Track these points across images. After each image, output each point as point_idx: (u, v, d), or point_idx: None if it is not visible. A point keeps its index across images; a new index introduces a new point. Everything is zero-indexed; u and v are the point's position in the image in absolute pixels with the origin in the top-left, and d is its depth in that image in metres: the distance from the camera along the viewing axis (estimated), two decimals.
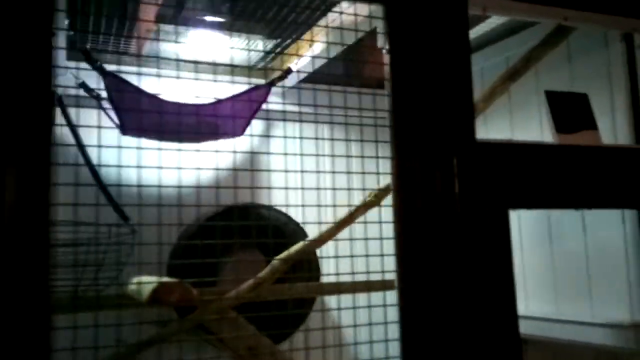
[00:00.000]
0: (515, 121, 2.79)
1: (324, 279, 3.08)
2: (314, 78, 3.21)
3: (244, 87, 2.69)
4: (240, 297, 2.41)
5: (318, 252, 3.11)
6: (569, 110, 1.80)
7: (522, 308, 2.97)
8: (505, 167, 1.63)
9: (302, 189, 2.61)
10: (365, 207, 2.41)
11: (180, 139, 2.73)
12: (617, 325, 2.04)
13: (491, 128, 2.90)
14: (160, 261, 3.02)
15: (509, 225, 1.61)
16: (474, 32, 2.77)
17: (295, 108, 3.20)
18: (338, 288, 2.52)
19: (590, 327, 2.15)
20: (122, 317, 2.55)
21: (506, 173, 1.63)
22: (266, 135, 3.34)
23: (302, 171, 2.63)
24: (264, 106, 3.03)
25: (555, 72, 2.50)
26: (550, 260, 2.51)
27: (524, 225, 2.70)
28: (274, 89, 3.28)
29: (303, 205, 2.76)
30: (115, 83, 2.46)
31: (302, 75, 3.06)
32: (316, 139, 3.11)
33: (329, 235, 2.43)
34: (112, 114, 2.61)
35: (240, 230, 2.95)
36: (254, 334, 2.55)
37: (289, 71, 2.69)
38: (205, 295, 2.42)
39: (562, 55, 2.45)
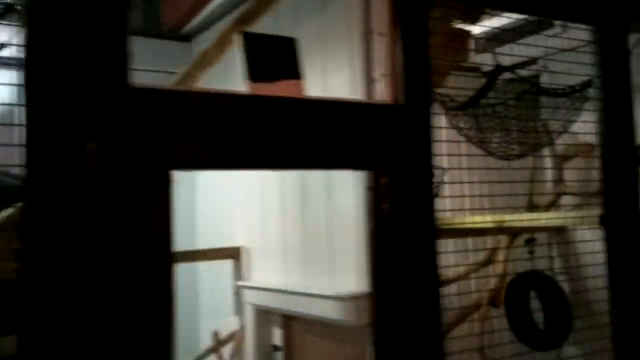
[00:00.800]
0: None
1: None
2: None
3: None
4: None
5: None
6: (270, 56, 1.56)
7: (280, 281, 2.81)
8: (168, 120, 1.35)
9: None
10: None
11: None
12: (344, 297, 1.89)
13: None
14: None
15: (169, 189, 1.34)
16: None
17: None
18: None
19: (329, 300, 2.00)
20: None
21: (169, 127, 1.35)
22: None
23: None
24: None
25: (307, 18, 2.28)
26: (304, 227, 2.33)
27: (286, 187, 2.49)
28: None
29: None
30: None
31: None
32: None
33: None
34: None
35: None
36: None
37: None
38: None
39: (310, 2, 2.23)
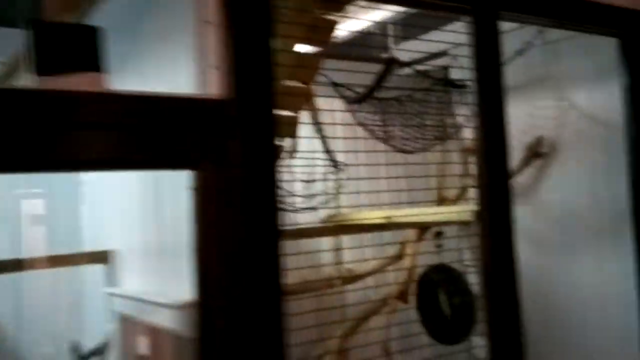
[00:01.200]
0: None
1: None
2: None
3: None
4: None
5: None
6: (66, 47, 1.41)
7: (141, 288, 2.66)
8: None
9: None
10: None
11: None
12: (176, 305, 1.77)
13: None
14: None
15: None
16: None
17: None
18: None
19: (164, 308, 1.87)
20: None
21: None
22: None
23: None
24: None
25: (153, 7, 2.13)
26: (160, 230, 2.19)
27: (148, 189, 2.34)
28: None
29: None
30: None
31: None
32: None
33: None
34: None
35: None
36: None
37: None
38: None
39: None
